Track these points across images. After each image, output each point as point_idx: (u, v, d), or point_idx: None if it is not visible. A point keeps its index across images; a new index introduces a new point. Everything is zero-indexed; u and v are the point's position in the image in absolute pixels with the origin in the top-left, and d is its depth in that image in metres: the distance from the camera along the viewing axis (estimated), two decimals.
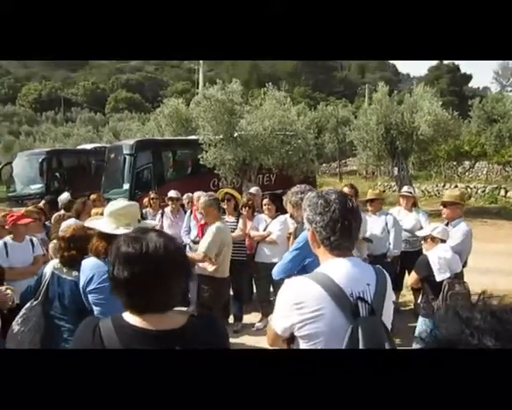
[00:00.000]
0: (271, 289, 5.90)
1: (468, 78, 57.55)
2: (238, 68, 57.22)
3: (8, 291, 3.07)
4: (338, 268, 1.70)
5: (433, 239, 3.92)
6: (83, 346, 1.35)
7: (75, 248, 2.84)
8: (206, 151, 12.33)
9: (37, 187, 14.90)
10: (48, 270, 2.96)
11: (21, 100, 55.80)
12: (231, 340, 5.46)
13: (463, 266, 4.15)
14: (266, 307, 5.82)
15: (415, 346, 3.91)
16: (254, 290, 6.43)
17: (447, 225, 4.43)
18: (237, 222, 5.77)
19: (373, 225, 5.30)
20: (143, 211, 7.19)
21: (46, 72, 72.65)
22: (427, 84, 15.00)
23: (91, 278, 2.47)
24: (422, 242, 4.09)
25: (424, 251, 4.00)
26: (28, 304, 2.95)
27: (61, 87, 61.09)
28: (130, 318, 1.35)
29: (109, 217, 2.53)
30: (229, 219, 5.78)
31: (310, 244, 1.82)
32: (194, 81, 36.87)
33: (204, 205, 4.61)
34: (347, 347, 1.56)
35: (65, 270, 2.89)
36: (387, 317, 1.74)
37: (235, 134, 12.49)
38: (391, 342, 1.63)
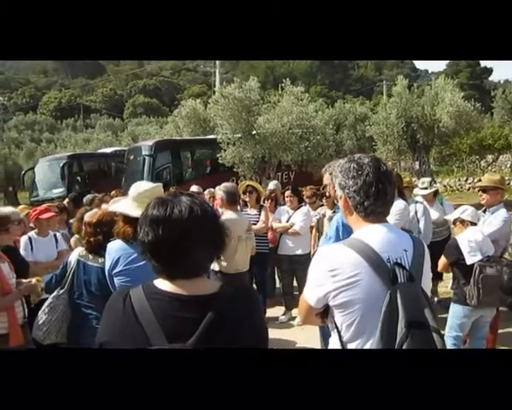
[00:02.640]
0: (295, 282, 5.84)
1: (489, 71, 56.49)
2: (254, 69, 57.32)
3: (39, 280, 3.09)
4: (373, 234, 1.62)
5: (463, 222, 3.80)
6: (114, 315, 1.31)
7: (101, 233, 2.82)
8: (225, 150, 12.33)
9: (58, 191, 15.09)
10: (73, 258, 2.95)
11: (42, 108, 56.89)
12: None
13: (502, 254, 3.97)
14: (290, 301, 5.76)
15: (448, 333, 3.79)
16: (277, 284, 6.38)
17: (485, 211, 4.26)
18: (259, 214, 5.71)
19: None
20: None
21: (65, 80, 74.06)
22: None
23: (117, 261, 2.44)
24: (452, 226, 3.96)
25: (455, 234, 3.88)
26: (55, 292, 2.94)
27: (80, 94, 62.13)
28: (161, 284, 1.31)
29: (133, 201, 2.50)
30: (252, 211, 5.73)
31: (342, 213, 1.75)
32: (210, 84, 37.03)
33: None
34: (386, 314, 1.49)
35: (91, 257, 2.88)
36: (426, 284, 1.66)
37: (254, 132, 12.46)
38: (431, 308, 1.55)
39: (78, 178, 16.24)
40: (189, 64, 66.86)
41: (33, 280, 3.31)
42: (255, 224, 5.55)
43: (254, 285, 5.80)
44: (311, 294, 1.66)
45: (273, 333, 5.39)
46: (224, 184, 4.83)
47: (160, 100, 59.96)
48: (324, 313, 1.68)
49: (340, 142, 19.08)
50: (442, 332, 3.10)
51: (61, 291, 2.92)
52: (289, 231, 5.65)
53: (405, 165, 20.74)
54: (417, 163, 14.80)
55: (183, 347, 1.19)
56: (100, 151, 20.53)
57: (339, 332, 1.62)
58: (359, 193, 1.63)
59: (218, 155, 12.47)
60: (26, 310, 3.26)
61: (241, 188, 5.86)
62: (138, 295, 1.29)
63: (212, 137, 13.86)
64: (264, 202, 6.03)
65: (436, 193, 5.95)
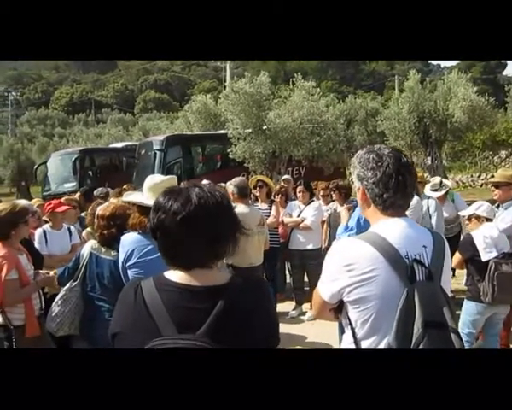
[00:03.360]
0: (305, 277, 5.83)
1: (503, 66, 55.71)
2: (265, 65, 57.15)
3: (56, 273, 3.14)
4: (391, 228, 1.57)
5: (478, 218, 3.75)
6: (126, 306, 1.33)
7: (115, 225, 2.83)
8: (235, 145, 12.32)
9: (70, 185, 15.18)
10: (85, 251, 2.96)
11: (54, 103, 57.31)
12: None
13: None
14: (300, 296, 5.76)
15: (461, 330, 3.75)
16: (288, 279, 6.37)
17: (498, 207, 4.21)
18: (270, 209, 5.71)
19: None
20: None
21: (77, 75, 74.56)
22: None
23: (131, 253, 2.45)
24: (467, 222, 3.91)
25: (469, 231, 3.83)
26: (68, 285, 2.96)
27: (91, 90, 62.49)
28: (171, 275, 1.33)
29: (149, 191, 2.51)
30: (262, 206, 5.73)
31: (359, 206, 1.72)
32: (220, 79, 37.00)
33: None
34: (402, 312, 1.44)
35: (103, 250, 2.89)
36: (446, 283, 1.60)
37: (264, 127, 12.43)
38: (450, 307, 1.49)
39: (90, 172, 16.35)
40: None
41: (51, 273, 3.36)
42: (266, 218, 5.54)
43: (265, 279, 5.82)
44: (326, 289, 1.62)
45: (283, 328, 5.35)
46: (234, 179, 4.83)
47: (170, 95, 60.07)
48: (338, 308, 1.64)
49: (350, 137, 19.00)
50: None
51: (74, 284, 2.94)
52: (300, 225, 5.64)
53: (417, 160, 20.60)
54: (429, 159, 14.64)
55: (193, 337, 1.20)
56: (111, 146, 20.63)
57: (352, 329, 1.58)
58: (378, 185, 1.58)
59: (229, 150, 12.47)
60: (43, 302, 3.31)
61: (252, 182, 5.86)
62: (149, 287, 1.30)
63: (222, 132, 13.86)
64: (274, 196, 6.02)
65: (447, 191, 5.86)
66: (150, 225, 1.35)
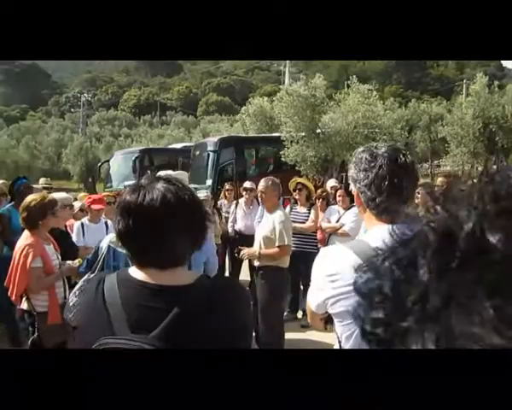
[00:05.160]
0: None
1: None
2: (327, 69, 56.68)
3: (80, 263, 3.22)
4: (381, 236, 1.41)
5: None
6: (87, 298, 1.31)
7: None
8: (288, 148, 12.24)
9: (130, 183, 15.79)
10: (104, 244, 2.99)
11: (122, 105, 60.31)
12: (298, 335, 5.03)
13: None
14: None
15: None
16: None
17: None
18: (309, 213, 5.55)
19: None
20: (219, 202, 7.30)
21: (145, 78, 77.91)
22: None
23: None
24: None
25: None
26: (85, 276, 3.00)
27: (157, 92, 65.06)
28: (134, 272, 1.26)
29: None
30: (301, 209, 5.58)
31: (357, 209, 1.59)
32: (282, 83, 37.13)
33: (264, 187, 4.28)
34: None
35: (120, 243, 2.90)
36: None
37: (318, 130, 12.26)
38: None
39: (149, 171, 16.93)
40: (262, 63, 67.49)
41: (76, 262, 3.45)
42: (304, 222, 5.40)
43: (301, 286, 5.66)
44: (312, 298, 1.52)
45: (316, 335, 5.20)
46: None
47: (232, 98, 61.19)
48: (329, 318, 1.52)
49: (412, 143, 18.27)
50: None
51: (92, 275, 2.97)
52: (338, 231, 5.43)
53: (482, 169, 19.48)
54: (495, 167, 13.77)
55: (144, 339, 1.12)
56: (170, 147, 21.30)
57: (339, 343, 1.46)
58: (370, 187, 1.43)
59: (281, 153, 12.41)
60: (68, 291, 3.40)
61: (292, 185, 5.74)
62: (111, 281, 1.25)
63: (276, 134, 13.84)
64: (315, 200, 5.86)
65: None
66: (117, 228, 1.23)
